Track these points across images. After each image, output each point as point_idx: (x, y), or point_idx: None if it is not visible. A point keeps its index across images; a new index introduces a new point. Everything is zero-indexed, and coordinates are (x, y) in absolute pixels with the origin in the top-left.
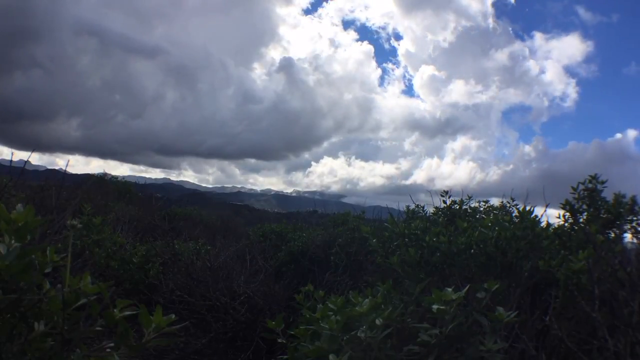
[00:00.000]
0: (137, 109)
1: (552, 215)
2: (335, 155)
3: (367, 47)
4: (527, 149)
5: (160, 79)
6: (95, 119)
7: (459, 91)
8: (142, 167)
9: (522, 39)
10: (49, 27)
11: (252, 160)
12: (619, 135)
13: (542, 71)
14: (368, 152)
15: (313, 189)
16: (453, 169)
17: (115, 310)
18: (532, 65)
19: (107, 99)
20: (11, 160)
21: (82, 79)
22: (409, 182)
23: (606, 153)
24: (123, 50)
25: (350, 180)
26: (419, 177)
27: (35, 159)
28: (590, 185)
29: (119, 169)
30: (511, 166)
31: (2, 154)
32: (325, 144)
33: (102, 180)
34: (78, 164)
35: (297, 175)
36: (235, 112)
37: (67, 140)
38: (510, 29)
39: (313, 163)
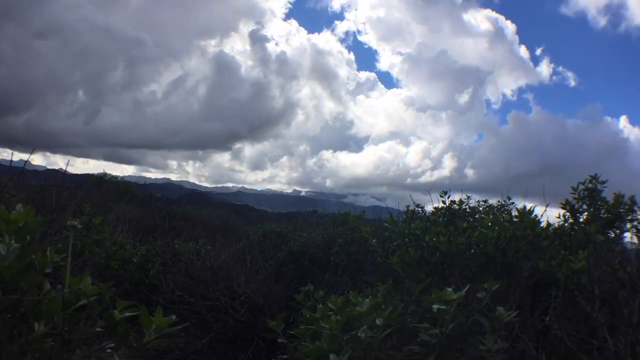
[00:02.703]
0: (90, 101)
1: (552, 216)
2: (289, 148)
3: (336, 36)
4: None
5: (109, 68)
6: (43, 112)
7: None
8: (82, 159)
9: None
10: (8, 19)
11: (192, 152)
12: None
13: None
14: (336, 144)
15: (267, 183)
16: (429, 162)
17: (115, 310)
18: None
19: (61, 92)
20: (11, 160)
21: (36, 69)
22: (380, 172)
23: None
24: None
25: (307, 173)
26: (390, 169)
27: (40, 159)
28: (590, 185)
29: (120, 169)
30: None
31: (3, 154)
32: (289, 136)
33: (102, 180)
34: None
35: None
36: (188, 104)
37: (13, 133)
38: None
39: (266, 154)
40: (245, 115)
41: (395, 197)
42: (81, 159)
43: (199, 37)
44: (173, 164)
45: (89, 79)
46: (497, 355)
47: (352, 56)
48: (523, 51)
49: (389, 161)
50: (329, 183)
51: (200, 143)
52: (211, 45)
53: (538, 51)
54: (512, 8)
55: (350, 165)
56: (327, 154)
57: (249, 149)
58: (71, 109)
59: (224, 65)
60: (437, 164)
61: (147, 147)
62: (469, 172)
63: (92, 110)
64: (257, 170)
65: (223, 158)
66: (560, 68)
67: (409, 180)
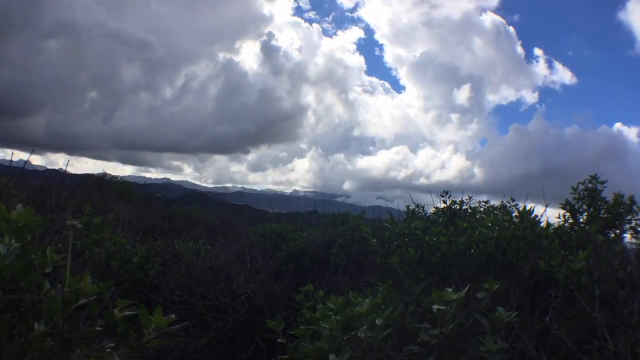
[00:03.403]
0: (104, 103)
1: (552, 217)
2: (303, 151)
3: (349, 38)
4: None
5: (126, 73)
6: (64, 114)
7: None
8: (111, 163)
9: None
10: (20, 22)
11: (211, 155)
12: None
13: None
14: (340, 146)
15: (285, 185)
16: (437, 162)
17: (115, 310)
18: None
19: (76, 94)
20: (11, 160)
21: (52, 72)
22: (390, 175)
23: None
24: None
25: (323, 175)
26: (399, 172)
27: (40, 159)
28: (590, 185)
29: (120, 169)
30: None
31: (3, 154)
32: (302, 139)
33: (102, 180)
34: (39, 159)
35: (267, 170)
36: (205, 107)
37: (31, 135)
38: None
39: (286, 158)
40: (258, 119)
41: (407, 199)
42: (93, 160)
43: (210, 42)
44: (188, 168)
45: (105, 84)
46: (497, 356)
47: (362, 60)
48: (524, 53)
49: (401, 164)
50: (345, 186)
51: (216, 147)
52: (223, 51)
53: (539, 52)
54: (514, 11)
55: (365, 168)
56: (341, 157)
57: (264, 153)
58: (89, 112)
59: (235, 71)
60: (446, 166)
61: (165, 149)
62: (477, 173)
63: (109, 113)
64: (271, 173)
65: (238, 162)
66: (560, 69)
67: (422, 181)
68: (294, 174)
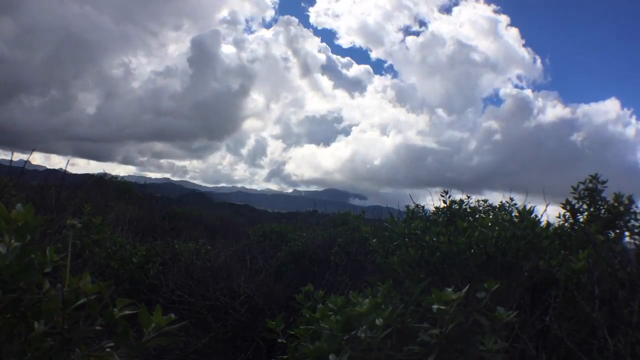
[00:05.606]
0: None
1: (551, 215)
2: (266, 142)
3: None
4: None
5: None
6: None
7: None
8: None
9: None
10: None
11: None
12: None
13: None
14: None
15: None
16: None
17: (115, 309)
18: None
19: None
20: (11, 160)
21: None
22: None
23: None
24: None
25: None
26: (373, 165)
27: (42, 159)
28: (590, 185)
29: (120, 169)
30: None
31: (3, 155)
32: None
33: (101, 180)
34: None
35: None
36: (158, 98)
37: None
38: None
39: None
40: (217, 110)
41: (379, 194)
42: (51, 155)
43: (174, 21)
44: (143, 159)
45: (49, 71)
46: (497, 355)
47: (335, 50)
48: (520, 47)
49: (371, 156)
50: (308, 178)
51: (171, 137)
52: (184, 35)
53: (536, 48)
54: (507, 2)
55: (330, 160)
56: (307, 148)
57: (222, 145)
58: (35, 104)
59: (195, 59)
60: (422, 160)
61: (111, 140)
62: (455, 170)
63: (55, 104)
64: (236, 166)
65: (194, 153)
66: (558, 63)
67: (395, 176)
68: (259, 167)
